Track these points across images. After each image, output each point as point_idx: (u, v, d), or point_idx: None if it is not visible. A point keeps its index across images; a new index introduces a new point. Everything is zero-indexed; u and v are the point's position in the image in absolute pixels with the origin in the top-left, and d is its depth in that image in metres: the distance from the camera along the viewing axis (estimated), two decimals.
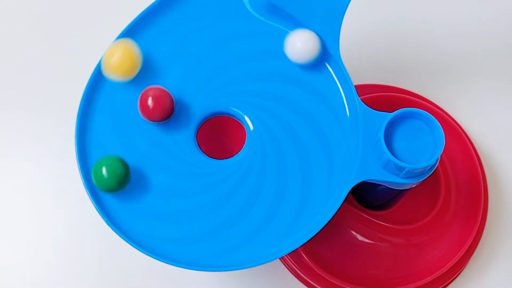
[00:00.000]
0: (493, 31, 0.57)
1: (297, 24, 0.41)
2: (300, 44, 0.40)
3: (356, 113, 0.40)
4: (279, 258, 0.47)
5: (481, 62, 0.56)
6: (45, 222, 0.52)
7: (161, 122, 0.40)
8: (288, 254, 0.38)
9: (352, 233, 0.50)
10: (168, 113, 0.40)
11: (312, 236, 0.38)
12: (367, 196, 0.49)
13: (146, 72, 0.42)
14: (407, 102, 0.52)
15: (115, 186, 0.38)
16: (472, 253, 0.49)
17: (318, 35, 0.41)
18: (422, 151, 0.38)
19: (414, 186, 0.40)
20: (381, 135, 0.37)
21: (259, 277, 0.50)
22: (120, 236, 0.38)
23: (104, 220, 0.39)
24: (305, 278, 0.49)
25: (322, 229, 0.38)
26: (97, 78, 0.41)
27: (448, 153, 0.51)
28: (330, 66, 0.41)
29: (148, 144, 0.40)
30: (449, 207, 0.50)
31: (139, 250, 0.38)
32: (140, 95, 0.40)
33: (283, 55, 0.42)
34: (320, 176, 0.40)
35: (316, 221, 0.38)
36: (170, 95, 0.40)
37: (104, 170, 0.38)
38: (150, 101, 0.39)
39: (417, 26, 0.57)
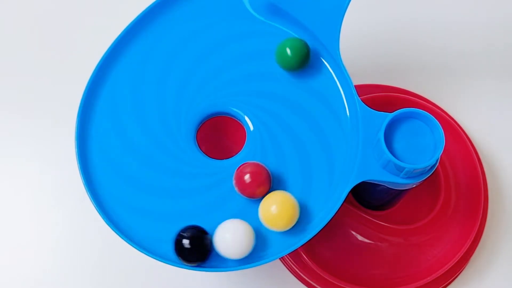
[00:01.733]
0: (493, 32, 0.57)
1: (297, 24, 0.41)
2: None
3: (356, 113, 0.40)
4: (279, 258, 0.47)
5: (481, 62, 0.56)
6: (45, 222, 0.52)
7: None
8: (288, 254, 0.38)
9: (352, 233, 0.50)
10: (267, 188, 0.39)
11: (312, 236, 0.38)
12: (367, 196, 0.49)
13: (146, 72, 0.42)
14: (407, 102, 0.52)
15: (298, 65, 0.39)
16: (472, 253, 0.49)
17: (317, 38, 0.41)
18: (422, 151, 0.38)
19: (414, 186, 0.40)
20: (381, 135, 0.37)
21: (259, 277, 0.50)
22: (120, 236, 0.38)
23: (104, 220, 0.39)
24: (305, 278, 0.49)
25: (322, 229, 0.38)
26: (97, 78, 0.41)
27: (448, 153, 0.51)
28: (330, 66, 0.41)
29: (148, 144, 0.40)
30: (449, 207, 0.50)
31: (139, 250, 0.38)
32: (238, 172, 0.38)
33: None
34: (320, 176, 0.39)
35: (316, 221, 0.38)
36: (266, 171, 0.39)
37: (288, 50, 0.39)
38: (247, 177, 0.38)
39: (417, 26, 0.57)
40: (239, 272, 0.50)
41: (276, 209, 0.37)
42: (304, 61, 0.40)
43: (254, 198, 0.38)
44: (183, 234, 0.37)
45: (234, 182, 0.39)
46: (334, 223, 0.49)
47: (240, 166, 0.38)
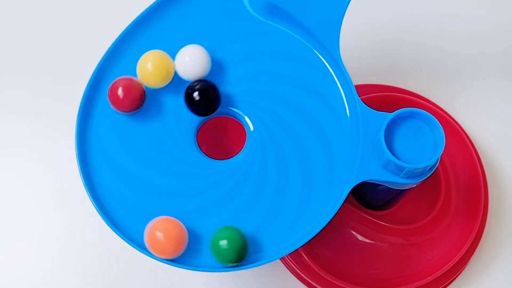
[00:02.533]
0: (493, 32, 0.57)
1: (297, 24, 0.41)
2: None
3: (356, 113, 0.40)
4: (280, 258, 0.47)
5: (481, 62, 0.56)
6: (45, 222, 0.52)
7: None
8: (288, 254, 0.38)
9: (352, 233, 0.50)
10: (138, 103, 0.40)
11: (313, 236, 0.38)
12: (367, 196, 0.49)
13: None
14: (407, 102, 0.52)
15: (235, 259, 0.37)
16: (472, 253, 0.49)
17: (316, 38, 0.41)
18: (422, 151, 0.38)
19: (414, 186, 0.40)
20: (381, 135, 0.37)
21: (259, 277, 0.50)
22: (120, 237, 0.38)
23: (104, 221, 0.39)
24: (305, 278, 0.49)
25: (322, 229, 0.38)
26: (98, 78, 0.41)
27: (448, 153, 0.51)
28: (330, 66, 0.41)
29: (148, 145, 0.40)
30: (449, 207, 0.50)
31: (139, 250, 0.38)
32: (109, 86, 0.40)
33: (283, 55, 0.42)
34: (321, 176, 0.39)
35: (316, 221, 0.38)
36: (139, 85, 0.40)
37: (224, 243, 0.37)
38: (120, 91, 0.39)
39: (418, 26, 0.57)
40: (239, 272, 0.50)
41: None
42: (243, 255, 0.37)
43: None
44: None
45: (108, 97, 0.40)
46: (334, 223, 0.49)
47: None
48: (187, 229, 0.38)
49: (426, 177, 0.38)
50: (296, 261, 0.49)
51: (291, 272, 0.50)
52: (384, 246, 0.49)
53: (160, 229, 0.37)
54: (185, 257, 0.38)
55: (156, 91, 0.41)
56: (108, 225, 0.39)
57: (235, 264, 0.37)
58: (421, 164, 0.37)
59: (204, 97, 0.39)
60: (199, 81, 0.40)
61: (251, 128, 0.41)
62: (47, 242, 0.52)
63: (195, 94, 0.39)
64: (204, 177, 0.40)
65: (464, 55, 0.56)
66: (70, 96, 0.46)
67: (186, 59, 0.40)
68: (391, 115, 0.37)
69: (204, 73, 0.40)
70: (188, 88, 0.40)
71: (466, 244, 0.48)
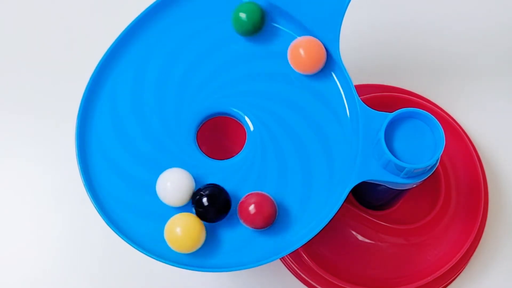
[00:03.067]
0: (493, 32, 0.57)
1: (297, 24, 0.41)
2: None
3: (356, 113, 0.40)
4: (280, 258, 0.47)
5: (481, 62, 0.56)
6: (45, 222, 0.52)
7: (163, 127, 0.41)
8: (288, 254, 0.38)
9: (352, 233, 0.50)
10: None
11: (313, 236, 0.38)
12: (367, 196, 0.49)
13: (147, 72, 0.42)
14: (407, 102, 0.52)
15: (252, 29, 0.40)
16: (472, 253, 0.49)
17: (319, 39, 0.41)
18: (422, 151, 0.38)
19: (414, 186, 0.40)
20: (381, 135, 0.37)
21: (259, 277, 0.50)
22: (120, 237, 0.38)
23: (104, 221, 0.39)
24: (305, 278, 0.49)
25: (322, 229, 0.38)
26: (98, 78, 0.41)
27: (448, 153, 0.51)
28: (330, 67, 0.41)
29: (148, 144, 0.40)
30: (449, 207, 0.50)
31: (139, 250, 0.38)
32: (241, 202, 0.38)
33: (283, 55, 0.42)
34: (321, 176, 0.39)
35: (316, 221, 0.38)
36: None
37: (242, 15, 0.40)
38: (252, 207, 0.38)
39: (418, 26, 0.57)
40: (239, 272, 0.50)
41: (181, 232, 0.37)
42: (259, 25, 0.41)
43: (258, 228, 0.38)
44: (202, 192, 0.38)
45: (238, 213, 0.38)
46: (334, 223, 0.49)
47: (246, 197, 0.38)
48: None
49: (426, 177, 0.38)
50: (296, 261, 0.49)
51: (291, 272, 0.50)
52: (384, 246, 0.49)
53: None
54: (185, 257, 0.38)
55: (156, 90, 0.41)
56: (108, 225, 0.39)
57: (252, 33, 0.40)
58: (421, 164, 0.37)
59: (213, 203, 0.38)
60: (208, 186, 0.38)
61: (251, 128, 0.41)
62: (47, 242, 0.52)
63: (204, 200, 0.38)
64: (204, 177, 0.40)
65: (464, 55, 0.56)
66: (70, 96, 0.46)
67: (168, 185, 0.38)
68: (391, 115, 0.37)
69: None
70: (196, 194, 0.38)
71: (466, 244, 0.48)
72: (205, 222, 0.38)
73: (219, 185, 0.38)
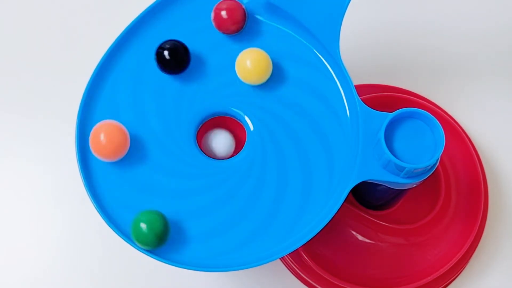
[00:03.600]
0: (493, 32, 0.57)
1: (297, 24, 0.41)
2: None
3: (356, 113, 0.40)
4: (280, 258, 0.47)
5: (481, 62, 0.56)
6: (45, 222, 0.52)
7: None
8: (288, 254, 0.38)
9: (352, 233, 0.50)
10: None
11: (313, 236, 0.38)
12: (367, 196, 0.49)
13: (146, 72, 0.42)
14: (407, 102, 0.52)
15: (155, 243, 0.37)
16: (472, 253, 0.49)
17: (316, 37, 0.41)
18: (422, 151, 0.38)
19: (414, 186, 0.40)
20: (381, 135, 0.37)
21: (259, 277, 0.50)
22: (120, 236, 0.38)
23: (104, 220, 0.39)
24: (305, 278, 0.49)
25: (322, 229, 0.38)
26: (98, 78, 0.41)
27: (448, 153, 0.51)
28: (330, 66, 0.41)
29: (148, 144, 0.40)
30: (449, 207, 0.50)
31: (139, 250, 0.38)
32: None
33: (283, 55, 0.42)
34: (321, 176, 0.39)
35: (316, 221, 0.38)
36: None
37: (143, 226, 0.37)
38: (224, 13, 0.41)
39: (418, 26, 0.57)
40: (239, 272, 0.50)
41: (251, 64, 0.40)
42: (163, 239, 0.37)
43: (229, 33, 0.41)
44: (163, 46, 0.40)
45: (212, 18, 0.41)
46: (334, 223, 0.49)
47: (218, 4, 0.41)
48: (187, 229, 0.38)
49: (426, 177, 0.38)
50: (296, 261, 0.49)
51: (291, 272, 0.50)
52: (384, 246, 0.49)
53: (103, 131, 0.38)
54: (185, 257, 0.38)
55: (156, 90, 0.41)
56: (108, 225, 0.39)
57: (152, 249, 0.37)
58: (421, 164, 0.37)
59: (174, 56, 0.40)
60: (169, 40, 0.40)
61: (251, 128, 0.41)
62: (47, 242, 0.52)
63: (165, 53, 0.40)
64: (204, 177, 0.40)
65: (464, 55, 0.56)
66: (70, 96, 0.46)
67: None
68: (391, 115, 0.37)
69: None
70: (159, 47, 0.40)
71: (466, 244, 0.48)
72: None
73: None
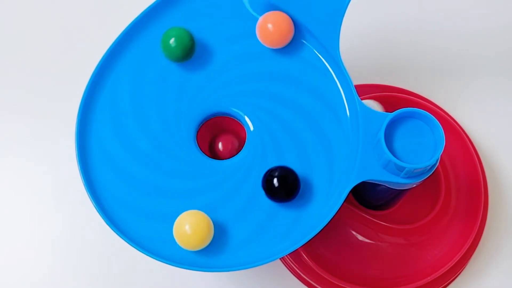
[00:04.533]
0: (493, 32, 0.57)
1: (297, 24, 0.41)
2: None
3: (356, 113, 0.40)
4: (280, 258, 0.47)
5: (481, 62, 0.56)
6: (45, 222, 0.52)
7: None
8: (288, 254, 0.38)
9: (352, 233, 0.50)
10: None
11: (313, 236, 0.38)
12: (367, 196, 0.49)
13: (147, 72, 0.42)
14: (407, 102, 0.52)
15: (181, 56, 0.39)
16: (472, 253, 0.49)
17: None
18: (422, 151, 0.38)
19: (414, 186, 0.40)
20: (381, 135, 0.37)
21: (259, 277, 0.50)
22: (120, 236, 0.38)
23: (104, 220, 0.39)
24: (305, 278, 0.49)
25: (322, 229, 0.38)
26: (98, 78, 0.41)
27: (448, 153, 0.51)
28: (330, 66, 0.41)
29: (148, 144, 0.40)
30: (449, 207, 0.50)
31: (139, 250, 0.38)
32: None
33: (283, 55, 0.42)
34: (321, 176, 0.39)
35: (316, 221, 0.38)
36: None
37: (172, 40, 0.39)
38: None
39: (418, 26, 0.57)
40: (239, 272, 0.50)
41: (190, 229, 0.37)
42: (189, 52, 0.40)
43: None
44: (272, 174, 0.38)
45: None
46: (334, 223, 0.49)
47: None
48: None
49: (426, 177, 0.38)
50: (296, 261, 0.49)
51: (291, 272, 0.50)
52: (384, 246, 0.49)
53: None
54: (185, 257, 0.38)
55: (156, 90, 0.41)
56: (108, 225, 0.39)
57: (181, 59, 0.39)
58: (421, 164, 0.37)
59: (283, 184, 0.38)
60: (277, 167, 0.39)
61: (251, 128, 0.41)
62: (47, 242, 0.52)
63: (275, 180, 0.38)
64: (204, 177, 0.40)
65: (464, 55, 0.56)
66: (70, 96, 0.46)
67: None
68: (391, 115, 0.37)
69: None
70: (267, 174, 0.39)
71: (466, 244, 0.48)
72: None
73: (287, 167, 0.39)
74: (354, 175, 0.38)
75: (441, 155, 0.38)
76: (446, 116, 0.52)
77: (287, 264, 0.50)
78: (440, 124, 0.37)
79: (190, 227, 0.37)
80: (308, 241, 0.38)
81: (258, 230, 0.39)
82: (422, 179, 0.38)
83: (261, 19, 0.41)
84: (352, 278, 0.48)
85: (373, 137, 0.39)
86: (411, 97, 0.52)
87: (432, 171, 0.38)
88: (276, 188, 0.38)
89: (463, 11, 0.58)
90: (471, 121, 0.54)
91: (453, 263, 0.48)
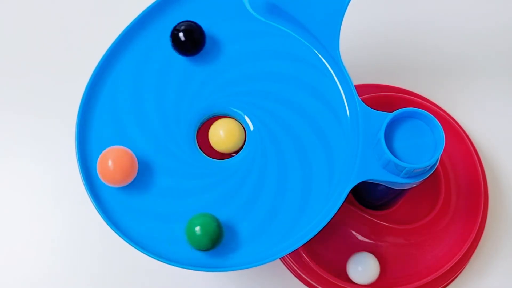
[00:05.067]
0: (493, 32, 0.57)
1: (297, 24, 0.41)
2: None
3: (356, 113, 0.40)
4: (280, 258, 0.47)
5: (481, 62, 0.56)
6: (45, 222, 0.52)
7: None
8: (288, 254, 0.38)
9: (352, 233, 0.50)
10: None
11: (313, 236, 0.38)
12: (367, 196, 0.49)
13: (147, 72, 0.42)
14: (407, 102, 0.52)
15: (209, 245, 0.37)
16: (472, 253, 0.49)
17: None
18: (422, 151, 0.38)
19: (414, 186, 0.40)
20: (381, 135, 0.37)
21: (259, 277, 0.50)
22: (120, 236, 0.38)
23: (104, 220, 0.39)
24: (305, 278, 0.49)
25: (322, 229, 0.38)
26: (98, 78, 0.41)
27: (448, 153, 0.51)
28: (330, 66, 0.41)
29: (148, 144, 0.40)
30: (449, 207, 0.50)
31: (139, 250, 0.38)
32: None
33: (283, 55, 0.42)
34: (321, 176, 0.39)
35: (316, 221, 0.38)
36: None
37: (198, 229, 0.37)
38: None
39: (418, 26, 0.57)
40: (239, 272, 0.50)
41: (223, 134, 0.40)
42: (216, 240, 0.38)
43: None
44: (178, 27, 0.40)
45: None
46: (334, 223, 0.49)
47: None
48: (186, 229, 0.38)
49: (426, 177, 0.38)
50: (296, 261, 0.49)
51: (291, 272, 0.50)
52: (384, 246, 0.49)
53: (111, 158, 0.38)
54: (186, 257, 0.38)
55: (156, 90, 0.41)
56: (108, 224, 0.39)
57: (208, 249, 0.37)
58: (421, 164, 0.37)
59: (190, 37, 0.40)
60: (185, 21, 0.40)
61: (251, 128, 0.41)
62: (47, 242, 0.52)
63: (181, 34, 0.40)
64: (204, 177, 0.40)
65: (464, 55, 0.56)
66: (70, 96, 0.46)
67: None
68: (391, 115, 0.37)
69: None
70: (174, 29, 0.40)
71: (466, 244, 0.48)
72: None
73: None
74: (354, 175, 0.38)
75: (441, 155, 0.38)
76: (446, 116, 0.52)
77: (287, 264, 0.50)
78: (440, 124, 0.37)
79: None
80: (308, 241, 0.38)
81: (258, 230, 0.39)
82: (422, 179, 0.38)
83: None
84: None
85: (373, 137, 0.39)
86: (411, 97, 0.52)
87: (432, 171, 0.38)
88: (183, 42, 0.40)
89: (463, 11, 0.58)
90: (471, 121, 0.54)
91: (453, 263, 0.48)
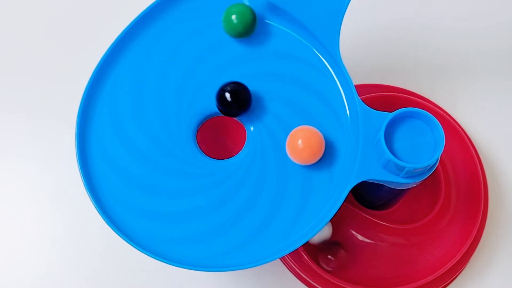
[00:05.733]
0: (493, 32, 0.57)
1: (297, 24, 0.41)
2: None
3: (356, 113, 0.40)
4: (280, 258, 0.47)
5: (481, 62, 0.56)
6: (45, 222, 0.52)
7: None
8: (288, 254, 0.38)
9: (352, 233, 0.50)
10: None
11: (313, 236, 0.38)
12: (367, 196, 0.49)
13: (147, 72, 0.42)
14: (407, 102, 0.52)
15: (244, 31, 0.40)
16: (472, 253, 0.49)
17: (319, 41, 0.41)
18: (422, 150, 0.38)
19: (414, 185, 0.40)
20: (381, 135, 0.37)
21: (259, 277, 0.50)
22: (120, 237, 0.38)
23: (105, 220, 0.39)
24: (305, 278, 0.49)
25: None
26: (98, 78, 0.41)
27: (448, 153, 0.51)
28: (330, 66, 0.41)
29: (148, 144, 0.40)
30: (449, 207, 0.50)
31: (139, 250, 0.38)
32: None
33: (283, 55, 0.42)
34: (321, 176, 0.39)
35: (316, 221, 0.38)
36: None
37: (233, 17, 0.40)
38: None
39: (418, 26, 0.57)
40: (239, 272, 0.50)
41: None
42: (251, 27, 0.41)
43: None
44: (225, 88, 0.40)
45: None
46: (334, 223, 0.49)
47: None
48: (187, 229, 0.38)
49: (426, 177, 0.38)
50: (296, 260, 0.49)
51: (291, 272, 0.50)
52: (384, 246, 0.49)
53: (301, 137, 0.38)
54: (185, 257, 0.38)
55: (156, 90, 0.41)
56: (108, 224, 0.39)
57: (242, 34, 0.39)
58: (421, 164, 0.37)
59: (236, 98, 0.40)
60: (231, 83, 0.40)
61: (251, 128, 0.41)
62: (47, 242, 0.52)
63: (227, 95, 0.40)
64: (204, 176, 0.40)
65: (464, 55, 0.56)
66: (71, 96, 0.46)
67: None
68: (391, 115, 0.37)
69: None
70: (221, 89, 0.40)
71: (466, 244, 0.48)
72: None
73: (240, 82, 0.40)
74: (354, 175, 0.38)
75: (441, 155, 0.38)
76: (446, 116, 0.52)
77: (287, 264, 0.50)
78: (440, 124, 0.37)
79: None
80: (308, 241, 0.38)
81: (258, 229, 0.39)
82: (422, 179, 0.38)
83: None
84: (352, 278, 0.48)
85: (373, 137, 0.39)
86: (411, 97, 0.52)
87: (432, 171, 0.38)
88: (229, 102, 0.39)
89: (463, 11, 0.58)
90: (471, 121, 0.54)
91: (453, 263, 0.48)
